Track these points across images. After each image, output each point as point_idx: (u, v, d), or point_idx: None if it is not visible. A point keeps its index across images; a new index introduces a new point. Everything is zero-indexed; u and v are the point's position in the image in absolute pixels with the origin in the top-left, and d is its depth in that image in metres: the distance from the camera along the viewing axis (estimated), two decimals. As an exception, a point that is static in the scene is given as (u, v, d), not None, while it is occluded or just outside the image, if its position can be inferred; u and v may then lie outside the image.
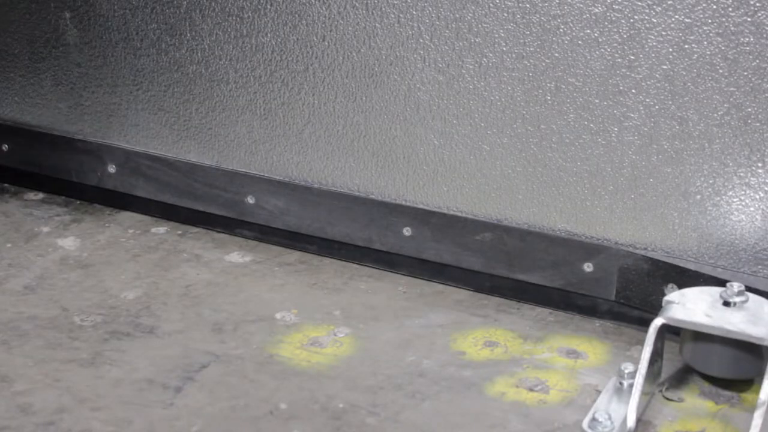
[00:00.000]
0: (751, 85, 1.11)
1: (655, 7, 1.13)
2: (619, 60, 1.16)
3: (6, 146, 1.56)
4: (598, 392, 1.08)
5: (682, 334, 1.09)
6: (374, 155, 1.33)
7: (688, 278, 1.15)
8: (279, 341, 1.18)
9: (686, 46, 1.12)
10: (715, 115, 1.13)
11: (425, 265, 1.33)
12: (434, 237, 1.31)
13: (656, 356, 1.06)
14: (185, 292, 1.29)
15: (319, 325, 1.22)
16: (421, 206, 1.31)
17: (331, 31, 1.31)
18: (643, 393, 1.03)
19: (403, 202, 1.32)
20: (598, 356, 1.16)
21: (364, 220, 1.34)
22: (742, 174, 1.14)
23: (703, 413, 1.06)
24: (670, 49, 1.13)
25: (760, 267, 1.15)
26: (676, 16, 1.12)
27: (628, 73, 1.16)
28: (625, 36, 1.15)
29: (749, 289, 1.07)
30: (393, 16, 1.27)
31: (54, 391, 1.07)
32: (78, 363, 1.13)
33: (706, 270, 1.16)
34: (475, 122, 1.26)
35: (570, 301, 1.26)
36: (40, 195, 1.57)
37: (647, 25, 1.14)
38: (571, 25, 1.17)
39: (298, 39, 1.33)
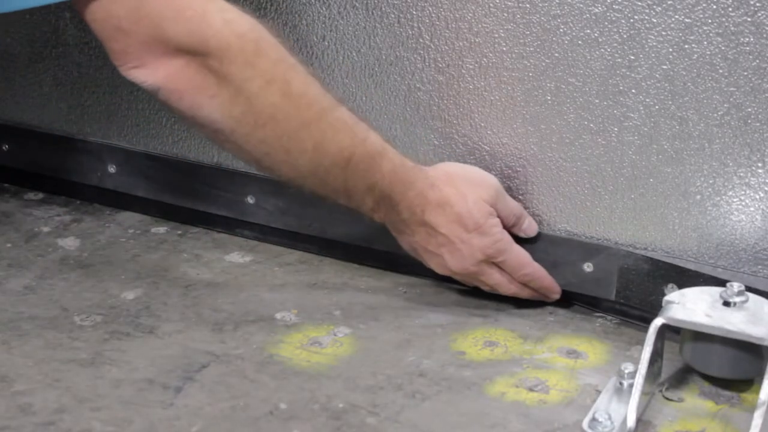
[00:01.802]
0: (751, 85, 1.11)
1: (655, 7, 1.13)
2: (619, 60, 1.16)
3: (6, 146, 1.56)
4: (598, 392, 1.08)
5: (682, 334, 1.10)
6: (374, 155, 1.33)
7: (688, 278, 1.15)
8: (279, 341, 1.18)
9: (686, 46, 1.12)
10: (715, 115, 1.13)
11: (425, 265, 1.33)
12: (434, 237, 1.30)
13: (656, 356, 1.06)
14: (185, 292, 1.29)
15: (319, 325, 1.22)
16: (421, 206, 1.31)
17: (331, 31, 1.31)
18: (643, 393, 1.03)
19: (403, 202, 1.32)
20: (598, 356, 1.16)
21: (364, 220, 1.34)
22: (742, 174, 1.14)
23: (703, 413, 1.06)
24: (670, 49, 1.13)
25: (760, 267, 1.15)
26: (676, 16, 1.12)
27: (628, 73, 1.16)
28: (625, 36, 1.15)
29: (749, 289, 1.07)
30: (393, 16, 1.27)
31: (54, 391, 1.07)
32: (78, 363, 1.13)
33: (706, 270, 1.16)
34: (475, 122, 1.26)
35: (570, 300, 1.26)
36: (40, 195, 1.57)
37: (647, 25, 1.14)
38: (571, 25, 1.17)
39: (298, 39, 1.33)
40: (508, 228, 1.22)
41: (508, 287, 1.23)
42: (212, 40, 1.04)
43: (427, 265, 1.23)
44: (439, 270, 1.22)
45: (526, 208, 1.25)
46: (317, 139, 1.10)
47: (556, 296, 1.24)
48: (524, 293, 1.24)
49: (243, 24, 1.06)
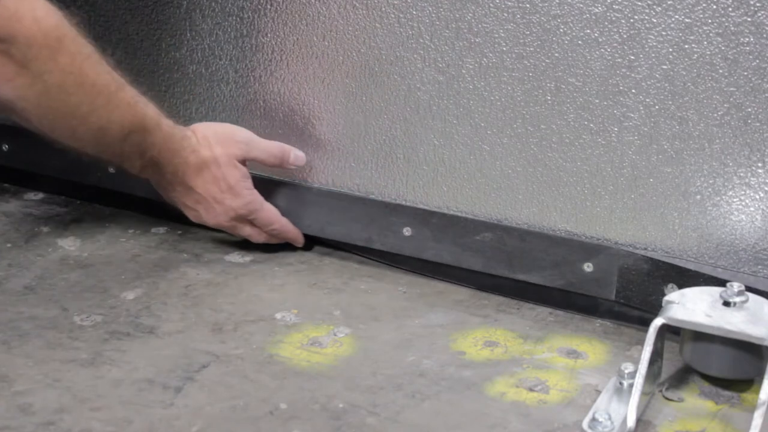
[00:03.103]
0: (751, 85, 1.11)
1: (655, 7, 1.13)
2: (619, 60, 1.16)
3: (6, 146, 1.56)
4: (598, 392, 1.08)
5: (682, 334, 1.10)
6: (374, 155, 1.33)
7: (688, 278, 1.15)
8: (279, 341, 1.18)
9: (686, 46, 1.12)
10: (715, 115, 1.13)
11: (425, 265, 1.33)
12: (434, 237, 1.31)
13: (656, 356, 1.06)
14: (185, 292, 1.29)
15: (319, 325, 1.22)
16: (421, 206, 1.31)
17: (331, 31, 1.31)
18: (643, 393, 1.03)
19: (403, 202, 1.32)
20: (598, 356, 1.16)
21: (364, 220, 1.34)
22: (742, 174, 1.14)
23: (703, 413, 1.06)
24: (670, 49, 1.13)
25: (760, 267, 1.15)
26: (676, 16, 1.12)
27: (628, 73, 1.16)
28: (625, 36, 1.15)
29: (749, 289, 1.07)
30: (393, 16, 1.27)
31: (54, 391, 1.07)
32: (78, 363, 1.13)
33: (706, 270, 1.16)
34: (475, 122, 1.26)
35: (570, 301, 1.26)
36: (40, 195, 1.57)
37: (647, 25, 1.14)
38: (571, 25, 1.17)
39: (298, 39, 1.33)
40: (275, 166, 1.36)
41: (258, 238, 1.38)
42: (20, 36, 1.10)
43: (185, 214, 1.36)
44: (195, 221, 1.36)
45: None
46: (103, 121, 1.21)
47: (300, 244, 1.40)
48: (273, 241, 1.38)
49: (50, 21, 1.13)
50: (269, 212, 1.36)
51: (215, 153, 1.31)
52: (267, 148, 1.35)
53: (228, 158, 1.32)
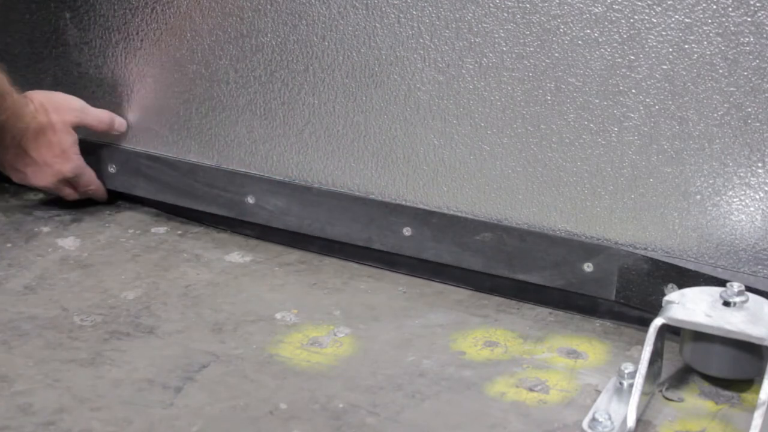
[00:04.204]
0: (751, 85, 1.11)
1: (655, 7, 1.13)
2: (619, 60, 1.16)
3: (6, 146, 1.56)
4: (598, 392, 1.08)
5: (682, 334, 1.10)
6: (374, 155, 1.33)
7: (688, 278, 1.15)
8: (279, 341, 1.18)
9: (686, 46, 1.12)
10: (715, 115, 1.13)
11: (425, 265, 1.33)
12: (434, 237, 1.31)
13: (656, 356, 1.06)
14: (185, 292, 1.29)
15: (319, 325, 1.22)
16: (421, 206, 1.31)
17: (331, 31, 1.31)
18: (643, 393, 1.03)
19: (403, 202, 1.32)
20: (598, 356, 1.16)
21: (364, 220, 1.34)
22: (742, 174, 1.14)
23: (703, 413, 1.06)
24: (670, 49, 1.13)
25: (760, 267, 1.15)
26: (676, 16, 1.12)
27: (628, 73, 1.16)
28: (625, 36, 1.15)
29: (749, 289, 1.07)
30: (393, 16, 1.27)
31: (54, 391, 1.07)
32: (78, 363, 1.13)
33: (706, 270, 1.16)
34: (475, 122, 1.26)
35: (570, 301, 1.26)
36: (40, 195, 1.57)
37: (647, 25, 1.14)
38: (571, 25, 1.17)
39: (298, 39, 1.33)
40: (105, 132, 1.47)
41: (73, 196, 1.50)
42: None
43: (6, 175, 1.47)
44: (18, 182, 1.48)
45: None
46: None
47: (104, 200, 1.52)
48: (82, 197, 1.51)
49: None
50: (90, 175, 1.48)
51: (52, 119, 1.42)
52: (98, 115, 1.46)
53: (63, 125, 1.43)
